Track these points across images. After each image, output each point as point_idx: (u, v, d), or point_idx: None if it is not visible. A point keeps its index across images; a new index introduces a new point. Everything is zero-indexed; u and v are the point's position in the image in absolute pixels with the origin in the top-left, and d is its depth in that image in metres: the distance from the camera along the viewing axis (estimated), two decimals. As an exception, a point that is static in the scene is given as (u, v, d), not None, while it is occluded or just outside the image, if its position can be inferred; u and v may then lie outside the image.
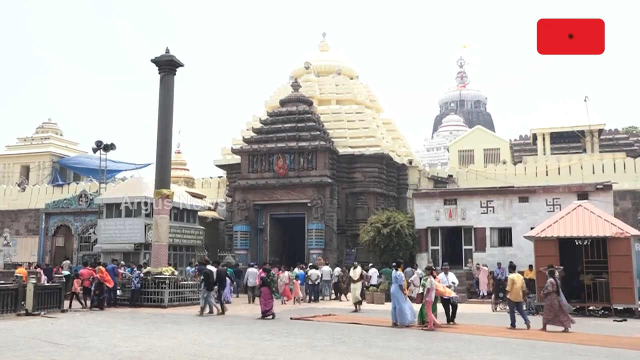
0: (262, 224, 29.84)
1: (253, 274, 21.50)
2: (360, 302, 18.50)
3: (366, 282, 21.27)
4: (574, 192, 23.73)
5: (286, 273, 21.18)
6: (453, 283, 15.02)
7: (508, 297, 14.20)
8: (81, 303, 18.26)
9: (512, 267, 15.17)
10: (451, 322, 14.37)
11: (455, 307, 14.63)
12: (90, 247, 27.34)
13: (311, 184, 28.32)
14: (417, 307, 14.32)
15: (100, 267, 18.72)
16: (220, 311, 16.75)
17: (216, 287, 17.21)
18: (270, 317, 15.42)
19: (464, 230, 25.12)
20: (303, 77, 34.83)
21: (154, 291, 18.88)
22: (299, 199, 28.56)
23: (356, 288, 18.66)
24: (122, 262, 21.50)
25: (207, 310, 16.77)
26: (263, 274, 16.55)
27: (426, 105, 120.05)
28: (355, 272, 19.03)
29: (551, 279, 13.91)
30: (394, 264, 15.16)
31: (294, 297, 21.31)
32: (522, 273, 21.75)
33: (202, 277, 17.43)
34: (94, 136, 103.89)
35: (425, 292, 13.70)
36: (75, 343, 10.77)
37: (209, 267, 17.59)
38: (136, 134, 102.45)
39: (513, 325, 13.65)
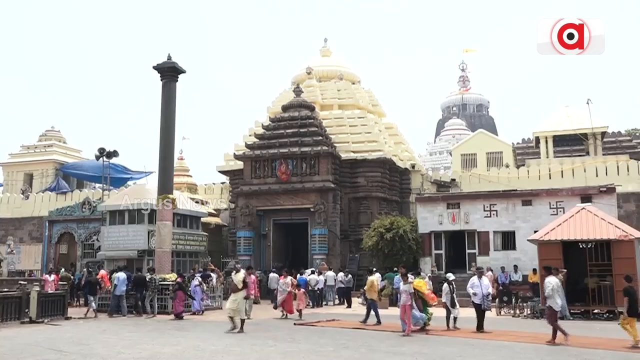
0: (265, 229, 29.81)
1: (274, 279, 21.77)
2: (243, 319, 13.74)
3: (252, 293, 15.73)
4: (577, 195, 23.68)
5: (288, 279, 18.22)
6: (474, 295, 13.93)
7: (368, 295, 15.16)
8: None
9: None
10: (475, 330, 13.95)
11: (483, 313, 14.04)
12: (94, 254, 27.32)
13: (314, 189, 28.30)
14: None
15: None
16: (95, 315, 17.68)
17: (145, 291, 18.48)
18: (181, 318, 16.92)
19: (467, 234, 25.07)
20: (305, 82, 34.84)
21: (157, 297, 18.84)
22: (302, 204, 28.52)
23: (237, 300, 13.70)
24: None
25: (95, 314, 17.91)
26: (179, 279, 17.97)
27: (428, 109, 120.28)
28: (237, 278, 14.11)
29: None
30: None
31: (297, 308, 17.85)
32: (526, 276, 21.93)
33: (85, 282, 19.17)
34: (97, 143, 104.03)
35: (403, 297, 13.58)
36: (79, 350, 10.79)
37: (120, 273, 18.62)
38: (139, 141, 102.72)
39: (366, 320, 15.50)
